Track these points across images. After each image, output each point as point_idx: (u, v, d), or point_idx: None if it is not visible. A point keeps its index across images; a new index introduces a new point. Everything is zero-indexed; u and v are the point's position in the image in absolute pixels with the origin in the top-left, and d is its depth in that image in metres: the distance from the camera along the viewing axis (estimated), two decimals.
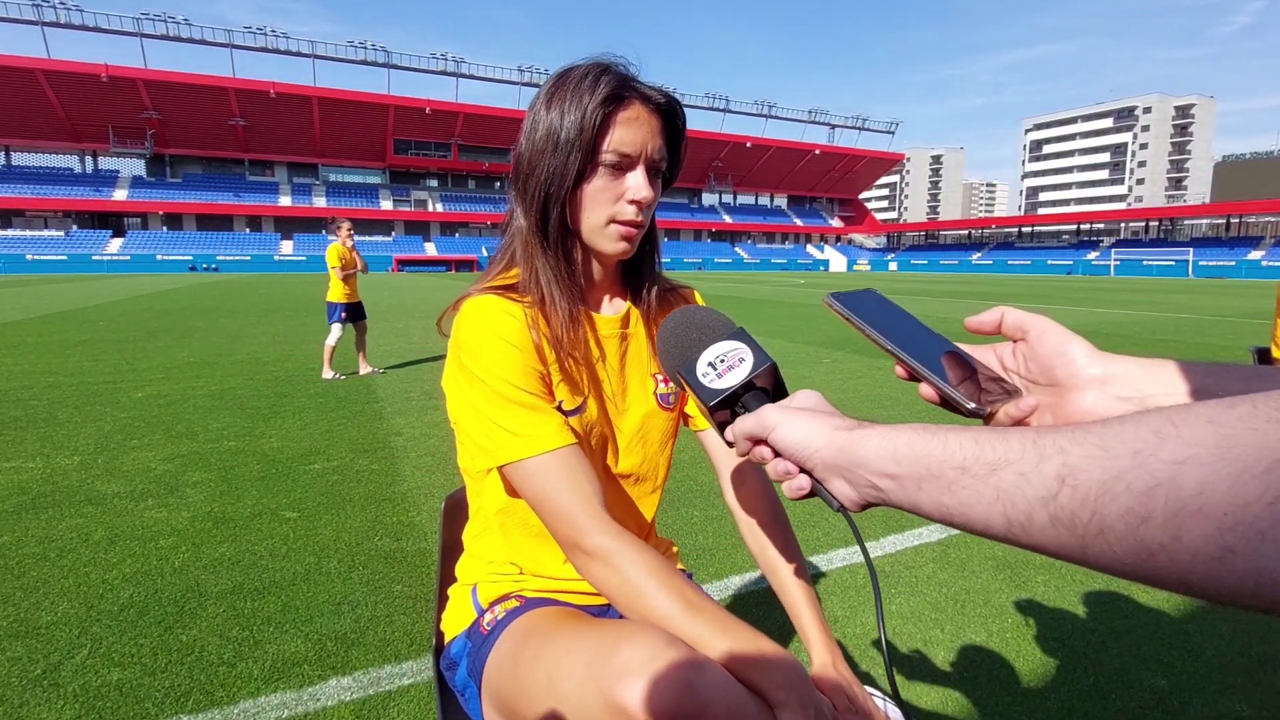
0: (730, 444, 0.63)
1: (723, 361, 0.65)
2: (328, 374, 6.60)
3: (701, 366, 0.66)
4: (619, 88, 0.89)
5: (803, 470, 0.55)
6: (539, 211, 0.93)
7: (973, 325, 0.61)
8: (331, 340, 6.66)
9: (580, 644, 0.76)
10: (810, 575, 1.00)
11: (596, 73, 0.90)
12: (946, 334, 0.61)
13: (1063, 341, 0.57)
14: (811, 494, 0.55)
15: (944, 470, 0.43)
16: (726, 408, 0.64)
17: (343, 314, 6.76)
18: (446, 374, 0.94)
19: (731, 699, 0.66)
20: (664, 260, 1.09)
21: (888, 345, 0.59)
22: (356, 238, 6.98)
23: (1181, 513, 0.30)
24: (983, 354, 0.61)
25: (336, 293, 6.78)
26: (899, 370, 0.60)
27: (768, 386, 0.65)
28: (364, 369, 6.86)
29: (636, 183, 0.91)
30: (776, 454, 0.57)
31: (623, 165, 0.91)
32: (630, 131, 0.90)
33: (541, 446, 0.85)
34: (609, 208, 0.92)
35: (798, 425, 0.54)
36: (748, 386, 0.64)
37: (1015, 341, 0.60)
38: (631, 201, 0.91)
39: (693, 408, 1.13)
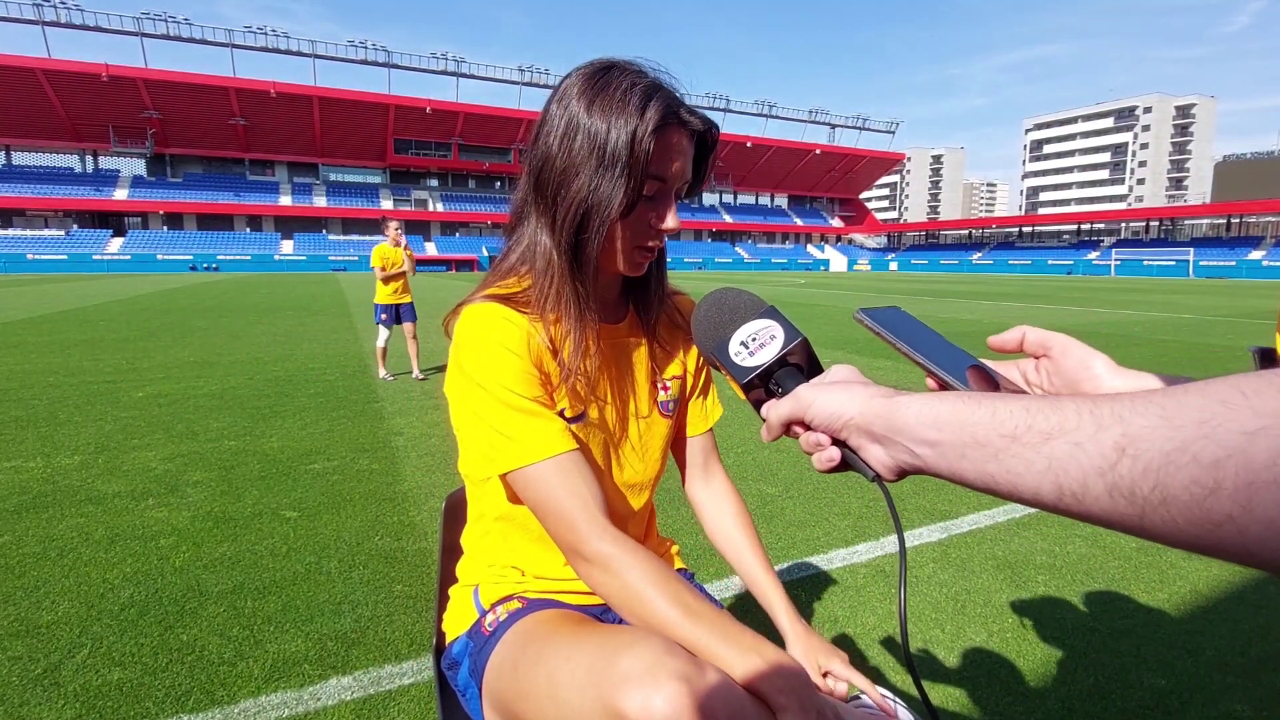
0: (764, 420, 0.63)
1: (754, 340, 0.65)
2: (381, 374, 6.58)
3: (734, 346, 0.66)
4: (668, 114, 0.86)
5: (836, 441, 0.54)
6: (572, 230, 0.88)
7: (995, 344, 0.63)
8: (379, 341, 6.62)
9: (581, 650, 0.76)
10: (777, 572, 1.06)
11: (645, 90, 0.85)
12: (967, 346, 0.63)
13: (1086, 357, 0.60)
14: (842, 467, 0.54)
15: (991, 438, 0.41)
16: (761, 385, 0.64)
17: (383, 315, 6.70)
18: (448, 380, 0.93)
19: (732, 705, 0.66)
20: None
21: (917, 357, 0.60)
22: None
23: (1254, 484, 0.30)
24: (1006, 369, 0.63)
25: (379, 294, 6.73)
26: (930, 382, 0.61)
27: (801, 363, 0.65)
28: (414, 372, 6.69)
29: (667, 212, 0.90)
30: (807, 427, 0.56)
31: (658, 194, 0.90)
32: (673, 162, 0.88)
33: (542, 453, 0.85)
34: (639, 234, 0.91)
35: (832, 396, 0.54)
36: (781, 363, 0.64)
37: (1038, 358, 0.63)
38: (658, 229, 0.91)
39: (690, 415, 1.14)
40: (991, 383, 0.59)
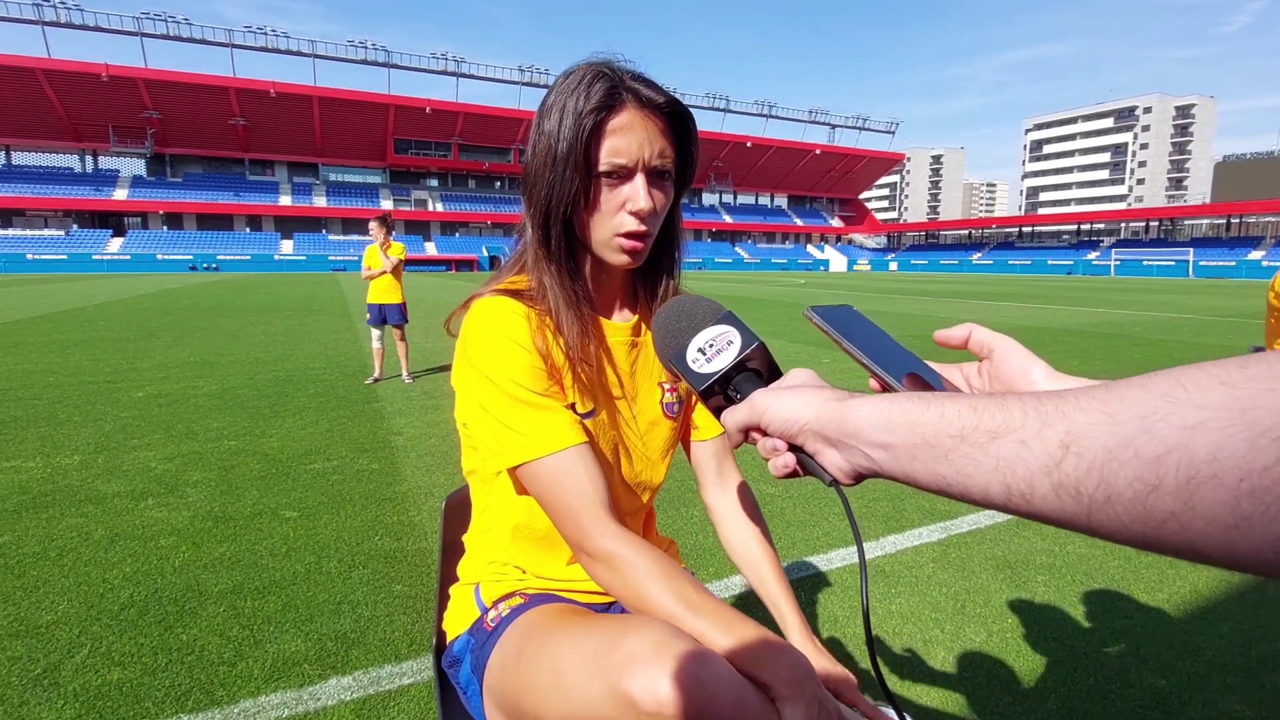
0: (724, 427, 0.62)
1: (712, 346, 0.65)
2: (369, 378, 6.46)
3: (691, 353, 0.66)
4: (609, 94, 0.85)
5: (792, 447, 0.54)
6: (542, 226, 0.92)
7: (941, 339, 0.64)
8: (371, 342, 6.57)
9: (586, 635, 0.76)
10: (789, 580, 1.04)
11: (589, 78, 0.86)
12: (919, 343, 0.62)
13: (1026, 363, 0.60)
14: (797, 473, 0.54)
15: (940, 439, 0.41)
16: (720, 392, 0.64)
17: (367, 315, 6.63)
18: (456, 372, 0.93)
19: (736, 690, 0.67)
20: None
21: (861, 357, 0.60)
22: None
23: (1194, 479, 0.29)
24: (949, 372, 0.64)
25: (368, 293, 6.65)
26: (873, 383, 0.61)
27: (760, 368, 0.64)
28: (404, 375, 6.58)
29: (634, 193, 0.87)
30: (764, 433, 0.56)
31: (619, 174, 0.87)
32: (623, 139, 0.86)
33: (549, 447, 0.85)
34: (611, 220, 0.89)
35: (787, 400, 0.53)
36: (739, 368, 0.63)
37: (982, 360, 0.63)
38: (631, 213, 0.88)
39: (697, 418, 1.13)
40: (927, 386, 0.59)
